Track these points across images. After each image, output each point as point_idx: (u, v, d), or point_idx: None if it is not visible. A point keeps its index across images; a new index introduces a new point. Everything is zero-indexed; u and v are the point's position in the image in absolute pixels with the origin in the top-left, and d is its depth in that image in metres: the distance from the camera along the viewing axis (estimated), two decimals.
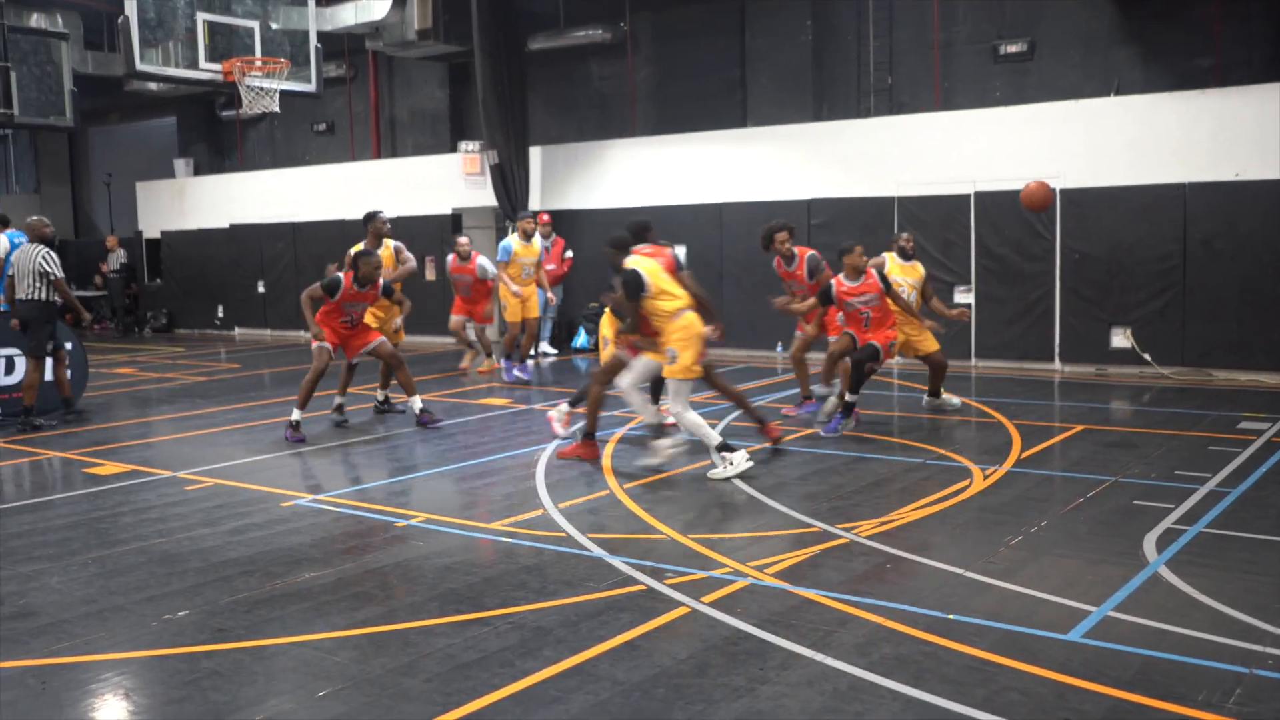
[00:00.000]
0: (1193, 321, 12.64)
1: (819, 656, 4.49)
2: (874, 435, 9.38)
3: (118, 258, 23.29)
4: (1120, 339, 13.01)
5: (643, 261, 8.12)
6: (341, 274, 9.87)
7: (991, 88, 14.54)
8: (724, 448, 7.86)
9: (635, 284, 7.91)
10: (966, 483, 7.55)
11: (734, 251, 15.86)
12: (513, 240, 13.43)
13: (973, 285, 13.95)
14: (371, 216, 11.03)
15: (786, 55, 15.96)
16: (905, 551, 5.98)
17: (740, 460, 7.82)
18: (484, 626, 4.92)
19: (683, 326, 7.93)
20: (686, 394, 8.08)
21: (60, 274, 10.54)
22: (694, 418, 8.02)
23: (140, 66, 13.73)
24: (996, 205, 13.76)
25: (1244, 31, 12.94)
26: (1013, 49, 14.40)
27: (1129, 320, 13.00)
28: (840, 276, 9.46)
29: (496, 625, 4.93)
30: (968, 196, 13.99)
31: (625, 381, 8.35)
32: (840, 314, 9.73)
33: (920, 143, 14.46)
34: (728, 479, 7.74)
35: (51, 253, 10.57)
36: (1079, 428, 9.53)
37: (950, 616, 4.92)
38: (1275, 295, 12.11)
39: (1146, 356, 12.81)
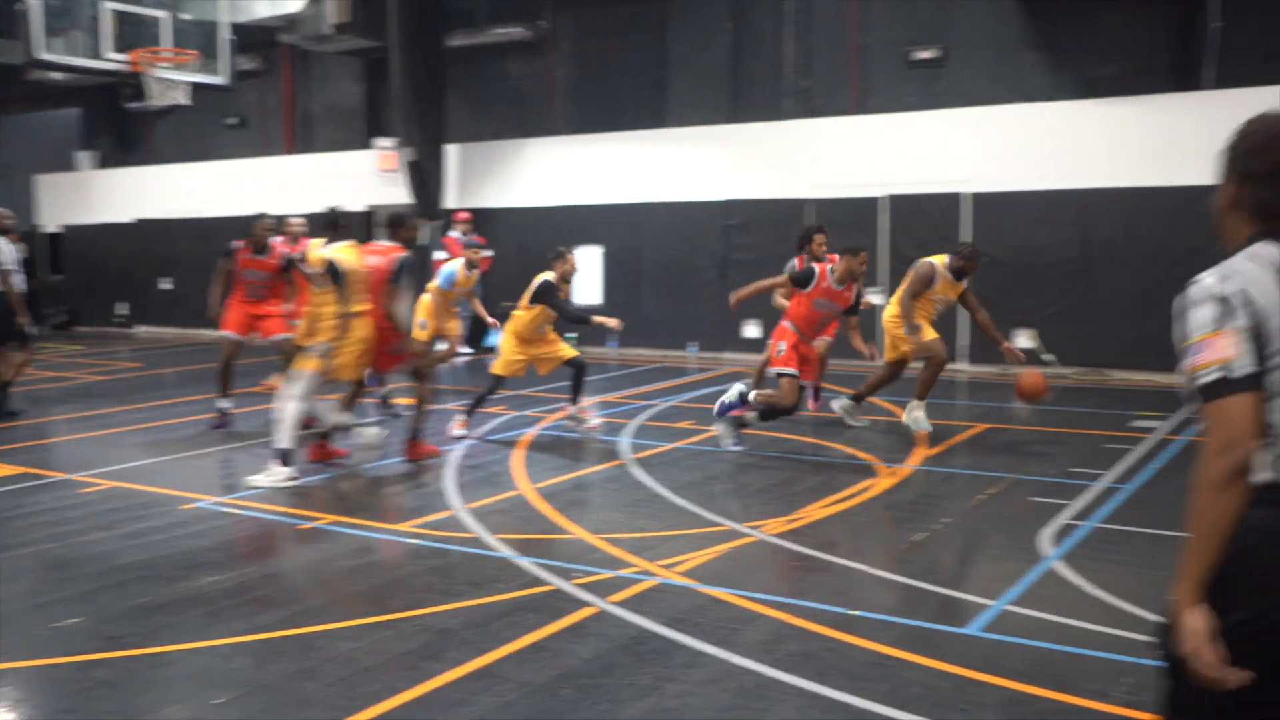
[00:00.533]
0: (1092, 323, 13.01)
1: (725, 654, 4.52)
2: (784, 434, 9.47)
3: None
4: (1024, 340, 13.32)
5: (344, 253, 7.95)
6: (236, 244, 9.98)
7: (905, 92, 14.77)
8: (284, 458, 7.63)
9: (334, 273, 7.83)
10: (873, 481, 7.67)
11: (651, 251, 15.91)
12: (457, 268, 12.77)
13: (885, 286, 14.16)
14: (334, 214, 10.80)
15: (705, 56, 16.05)
16: (811, 549, 6.05)
17: (283, 476, 7.62)
18: (388, 629, 4.86)
19: (348, 333, 7.80)
20: (307, 389, 7.82)
21: (9, 265, 10.53)
22: (293, 411, 7.74)
23: (42, 55, 13.31)
24: (908, 208, 14.01)
25: (1147, 41, 13.32)
26: (925, 55, 14.64)
27: (1033, 321, 13.32)
28: (829, 269, 8.75)
29: (401, 628, 4.87)
30: (882, 199, 14.22)
31: (296, 389, 7.84)
32: (799, 309, 8.77)
33: (835, 145, 14.67)
34: (265, 487, 7.58)
35: (9, 243, 10.61)
36: (982, 427, 9.74)
37: (854, 613, 4.99)
38: (1169, 298, 12.34)
39: (1049, 357, 13.14)
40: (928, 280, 9.19)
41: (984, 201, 13.59)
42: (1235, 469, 2.13)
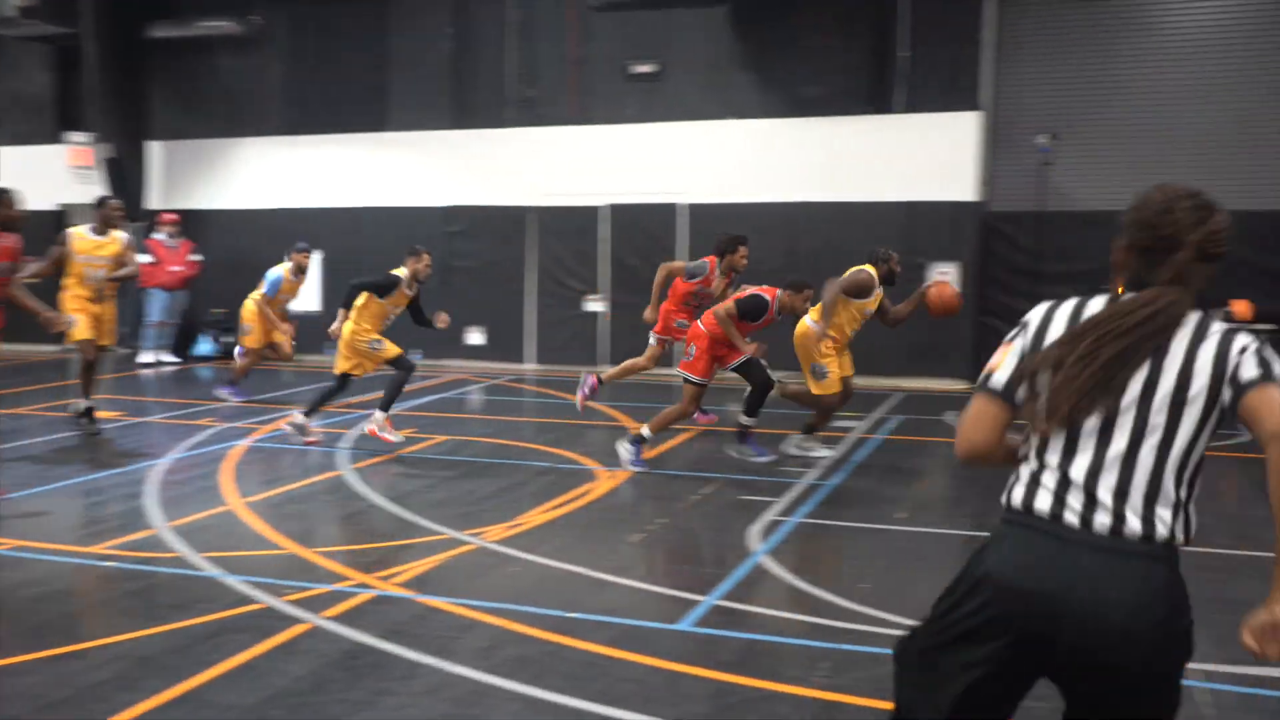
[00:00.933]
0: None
1: (442, 664, 4.49)
2: (506, 441, 9.50)
3: None
4: None
5: None
6: None
7: (624, 105, 15.12)
8: None
9: None
10: (593, 485, 7.82)
11: (372, 258, 15.49)
12: (283, 271, 11.72)
13: (606, 294, 14.52)
14: (102, 202, 9.77)
15: (427, 61, 15.85)
16: (531, 554, 6.09)
17: None
18: (79, 660, 4.51)
19: None
20: None
21: None
22: None
23: None
24: (628, 218, 14.37)
25: (846, 66, 14.22)
26: (643, 69, 15.05)
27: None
28: (777, 300, 8.41)
29: (93, 658, 4.54)
30: (602, 209, 14.53)
31: None
32: (733, 333, 8.40)
33: (558, 155, 14.86)
34: None
35: None
36: (699, 429, 10.12)
37: (571, 615, 5.07)
38: None
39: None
40: (865, 288, 8.50)
41: (699, 213, 14.13)
42: (961, 454, 2.51)
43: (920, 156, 13.44)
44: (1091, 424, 2.34)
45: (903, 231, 13.36)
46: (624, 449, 8.39)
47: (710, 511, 7.14)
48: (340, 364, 9.16)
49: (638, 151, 14.52)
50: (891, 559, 6.32)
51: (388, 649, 4.64)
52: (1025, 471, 2.42)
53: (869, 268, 8.56)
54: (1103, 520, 2.31)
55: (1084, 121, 13.44)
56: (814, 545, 6.36)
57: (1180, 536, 2.32)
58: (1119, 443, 2.32)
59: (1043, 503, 2.36)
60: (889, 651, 4.57)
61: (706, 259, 9.75)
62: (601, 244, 14.59)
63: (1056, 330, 2.42)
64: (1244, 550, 6.19)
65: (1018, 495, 2.41)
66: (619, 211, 14.47)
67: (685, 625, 4.97)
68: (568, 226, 14.65)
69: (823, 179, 13.74)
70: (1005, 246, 13.41)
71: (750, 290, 8.57)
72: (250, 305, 11.59)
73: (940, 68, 13.64)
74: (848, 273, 8.60)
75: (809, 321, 8.57)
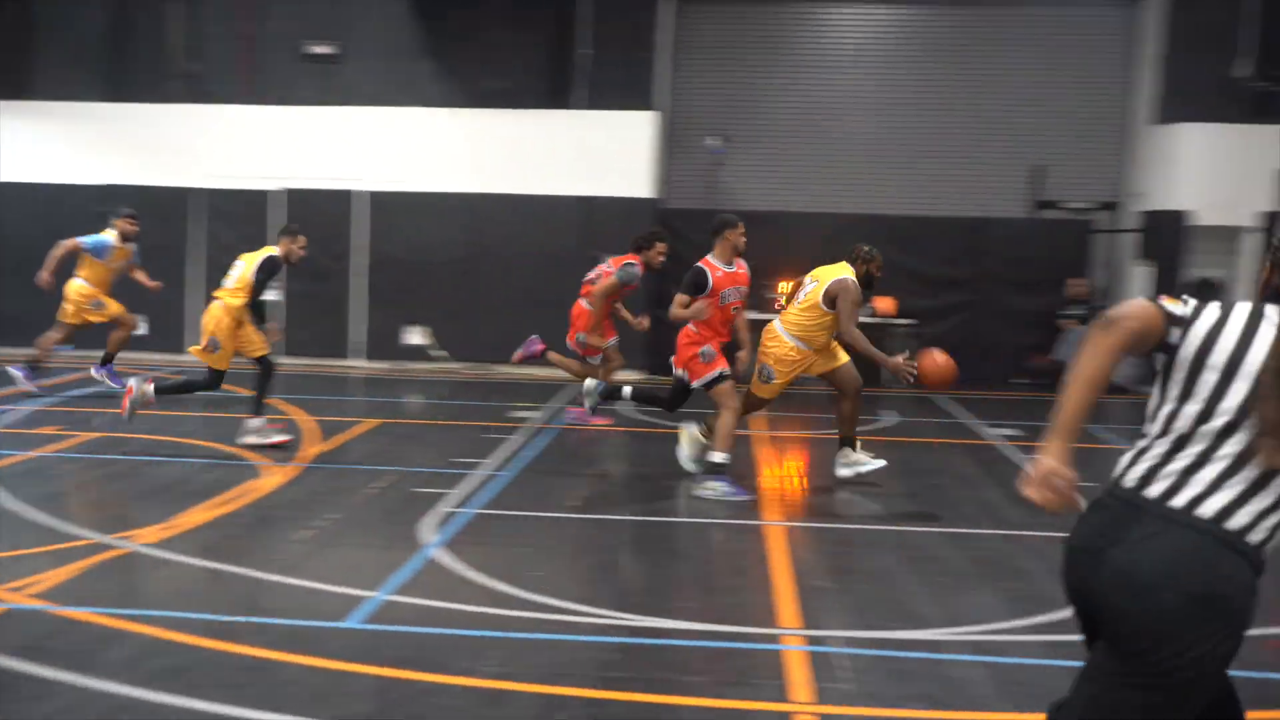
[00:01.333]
0: (481, 320, 13.75)
1: (81, 680, 4.14)
2: (165, 437, 8.90)
3: None
4: (416, 336, 13.79)
5: None
6: None
7: (300, 86, 14.54)
8: None
9: None
10: (260, 481, 7.47)
11: (15, 239, 14.11)
12: (111, 238, 10.58)
13: (280, 281, 13.89)
14: None
15: (77, 26, 14.59)
16: (189, 556, 5.75)
17: None
18: None
19: None
20: None
21: None
22: None
23: None
24: (304, 203, 13.84)
25: (528, 61, 14.32)
26: (321, 50, 14.53)
27: (425, 319, 13.82)
28: (710, 258, 7.43)
29: None
30: (275, 193, 13.92)
31: None
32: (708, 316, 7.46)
33: (228, 134, 14.13)
34: None
35: None
36: (375, 422, 9.90)
37: (229, 619, 4.82)
38: (549, 297, 13.55)
39: (440, 353, 13.71)
40: (859, 301, 7.55)
41: (379, 200, 13.84)
42: (1108, 319, 2.42)
43: (598, 153, 13.75)
44: (1220, 420, 2.36)
45: (580, 225, 13.64)
46: (709, 488, 7.34)
47: (384, 505, 7.00)
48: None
49: (314, 135, 14.04)
50: (564, 547, 6.44)
51: (17, 667, 4.23)
52: (1139, 443, 2.50)
53: (846, 273, 7.56)
54: (1183, 497, 2.36)
55: (751, 125, 14.24)
56: (487, 536, 6.37)
57: (1259, 537, 2.33)
58: (1234, 445, 2.35)
59: (1137, 471, 2.45)
60: (559, 638, 4.72)
61: (632, 259, 9.22)
62: (274, 230, 13.94)
63: (1232, 334, 2.39)
64: (887, 526, 6.79)
65: (1119, 466, 2.50)
66: (294, 196, 13.91)
67: (353, 623, 4.84)
68: (237, 210, 13.93)
69: (504, 171, 13.80)
70: (679, 243, 13.93)
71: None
72: (78, 284, 10.61)
73: (619, 67, 14.00)
74: (839, 286, 7.46)
75: (777, 326, 7.72)
